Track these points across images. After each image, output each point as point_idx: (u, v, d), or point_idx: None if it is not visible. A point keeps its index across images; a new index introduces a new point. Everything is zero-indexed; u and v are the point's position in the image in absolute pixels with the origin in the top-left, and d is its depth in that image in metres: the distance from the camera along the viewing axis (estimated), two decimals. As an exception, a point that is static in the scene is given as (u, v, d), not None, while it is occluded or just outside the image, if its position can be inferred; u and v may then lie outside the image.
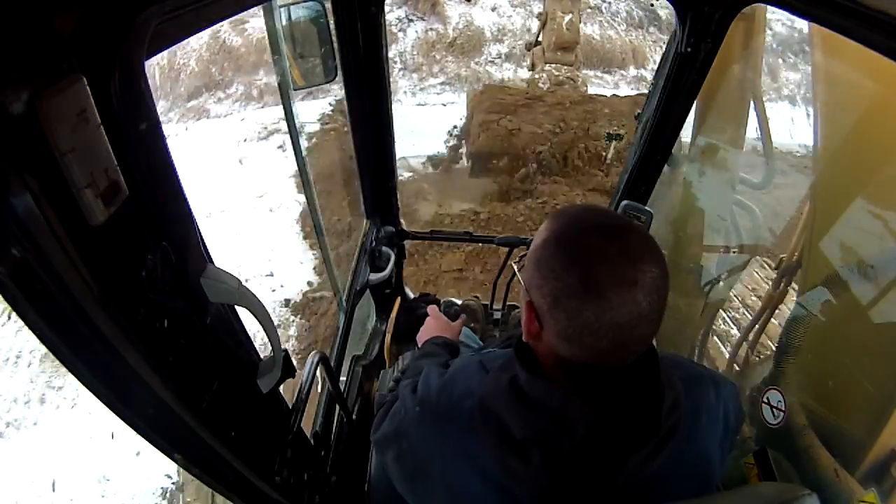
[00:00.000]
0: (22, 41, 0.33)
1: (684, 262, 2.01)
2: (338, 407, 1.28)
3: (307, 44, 1.26)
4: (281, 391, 0.76)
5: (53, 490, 3.94)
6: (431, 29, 10.95)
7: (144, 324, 0.46)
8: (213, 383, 0.56)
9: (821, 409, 1.26)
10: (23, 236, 0.34)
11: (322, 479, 1.04)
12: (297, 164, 1.49)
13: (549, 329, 0.59)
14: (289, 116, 1.38)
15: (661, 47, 10.21)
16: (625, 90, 9.43)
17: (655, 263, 0.56)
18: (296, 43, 1.25)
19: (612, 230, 0.57)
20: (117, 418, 0.48)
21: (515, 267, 0.72)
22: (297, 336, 5.01)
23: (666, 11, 10.51)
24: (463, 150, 7.45)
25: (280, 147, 7.61)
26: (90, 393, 0.45)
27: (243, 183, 7.09)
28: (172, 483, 3.81)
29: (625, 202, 1.41)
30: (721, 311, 2.24)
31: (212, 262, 0.56)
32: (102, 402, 0.47)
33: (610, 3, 11.55)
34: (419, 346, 1.17)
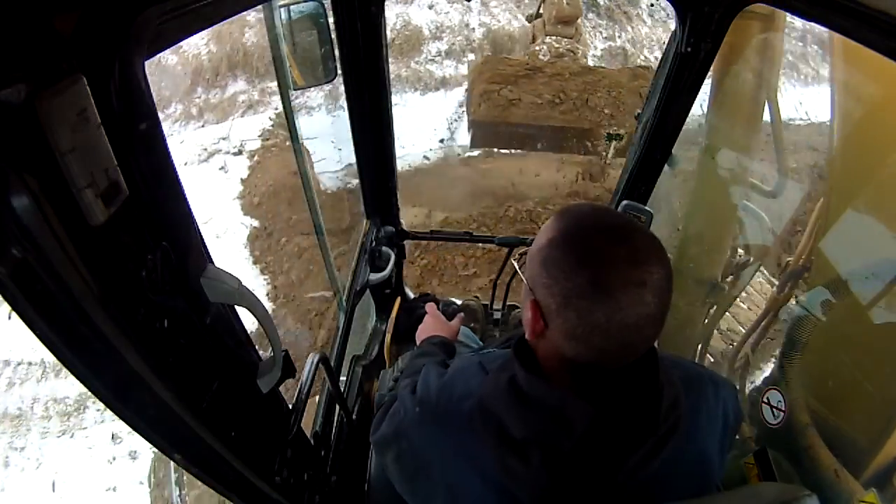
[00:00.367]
0: (22, 41, 0.33)
1: (688, 263, 2.01)
2: (338, 407, 1.28)
3: (307, 44, 1.26)
4: (281, 391, 0.76)
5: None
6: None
7: (144, 324, 0.46)
8: (213, 383, 0.56)
9: (823, 410, 1.26)
10: (23, 236, 0.34)
11: (322, 479, 1.04)
12: (297, 165, 1.50)
13: (556, 328, 0.59)
14: (289, 116, 1.38)
15: (599, 33, 9.98)
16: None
17: (662, 265, 0.57)
18: (296, 43, 1.25)
19: (621, 231, 0.58)
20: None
21: (517, 265, 0.72)
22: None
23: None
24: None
25: (221, 168, 7.38)
26: (90, 393, 0.45)
27: (188, 210, 7.02)
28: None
29: (625, 202, 1.41)
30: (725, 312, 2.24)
31: (212, 262, 0.56)
32: (102, 401, 0.47)
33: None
34: (418, 344, 1.17)
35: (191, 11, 0.51)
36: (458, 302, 2.03)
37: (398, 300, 1.93)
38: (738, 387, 1.80)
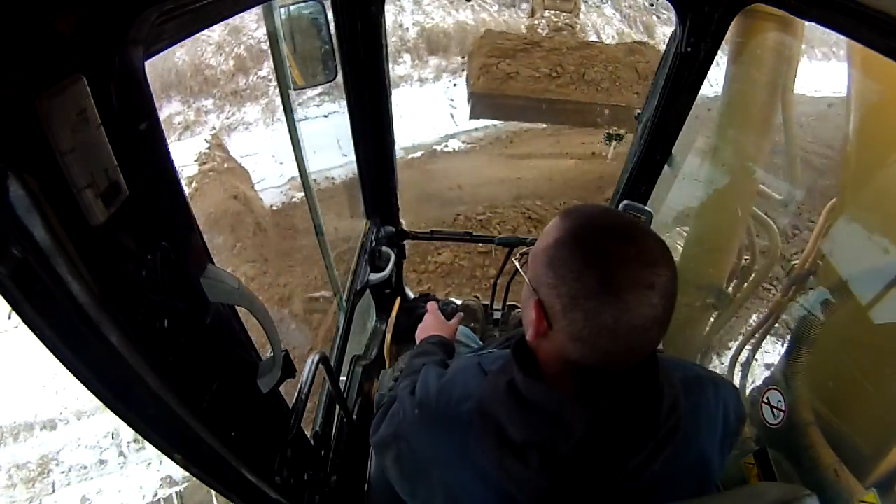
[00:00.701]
0: (22, 41, 0.33)
1: (692, 266, 2.01)
2: (338, 407, 1.28)
3: (307, 44, 1.26)
4: (281, 391, 0.76)
5: None
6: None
7: (144, 324, 0.46)
8: (213, 383, 0.56)
9: (827, 412, 1.26)
10: (23, 236, 0.34)
11: (322, 479, 1.04)
12: (298, 165, 1.49)
13: (561, 329, 0.58)
14: (289, 117, 1.38)
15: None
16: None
17: (669, 267, 0.57)
18: (296, 43, 1.25)
19: (630, 232, 0.58)
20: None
21: (518, 265, 0.71)
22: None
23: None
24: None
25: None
26: (90, 393, 0.45)
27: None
28: None
29: (625, 202, 1.41)
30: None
31: (212, 262, 0.56)
32: (102, 401, 0.46)
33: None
34: (417, 343, 1.17)
35: (190, 11, 0.51)
36: (458, 302, 2.03)
37: (398, 300, 1.94)
38: (738, 387, 1.80)
